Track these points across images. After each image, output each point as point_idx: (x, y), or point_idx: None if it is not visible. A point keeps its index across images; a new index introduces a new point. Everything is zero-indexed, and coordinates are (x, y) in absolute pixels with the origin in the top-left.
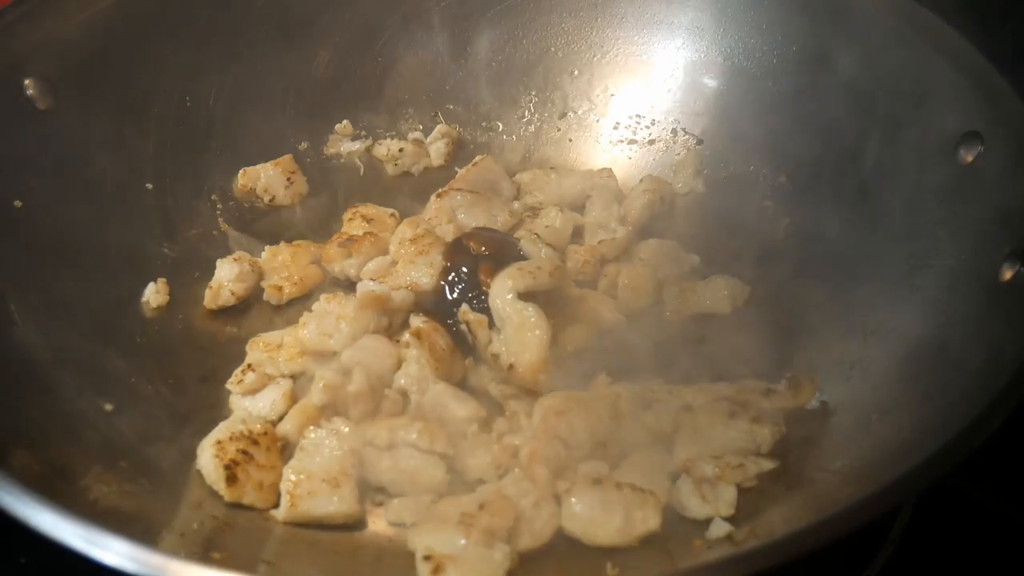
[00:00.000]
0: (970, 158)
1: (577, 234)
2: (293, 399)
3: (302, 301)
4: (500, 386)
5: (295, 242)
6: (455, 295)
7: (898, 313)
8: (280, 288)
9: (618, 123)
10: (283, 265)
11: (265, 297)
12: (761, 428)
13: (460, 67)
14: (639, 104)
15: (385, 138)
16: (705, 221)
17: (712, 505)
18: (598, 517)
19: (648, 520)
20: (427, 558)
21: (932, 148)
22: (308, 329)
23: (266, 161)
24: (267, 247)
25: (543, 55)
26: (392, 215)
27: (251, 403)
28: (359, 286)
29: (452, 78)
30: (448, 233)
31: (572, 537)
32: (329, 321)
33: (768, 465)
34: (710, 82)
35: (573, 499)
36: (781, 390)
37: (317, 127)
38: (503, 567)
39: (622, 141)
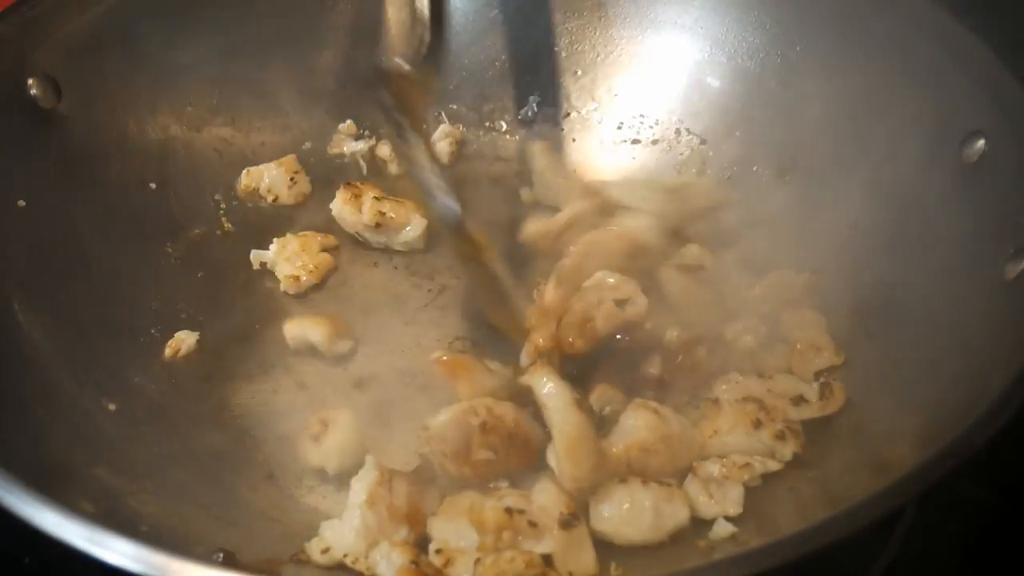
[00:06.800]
0: (974, 157)
1: None
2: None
3: (318, 289)
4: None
5: (300, 233)
6: None
7: (899, 313)
8: (297, 277)
9: (621, 123)
10: (294, 255)
11: (283, 288)
12: (783, 447)
13: (463, 67)
14: (642, 104)
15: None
16: None
17: (720, 504)
18: (628, 515)
19: (677, 513)
20: (439, 551)
21: (936, 147)
22: None
23: (269, 161)
24: (275, 239)
25: (546, 55)
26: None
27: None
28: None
29: (455, 78)
30: None
31: (603, 539)
32: None
33: (774, 465)
34: (713, 82)
35: (601, 500)
36: (811, 399)
37: (320, 127)
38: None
39: (625, 141)
